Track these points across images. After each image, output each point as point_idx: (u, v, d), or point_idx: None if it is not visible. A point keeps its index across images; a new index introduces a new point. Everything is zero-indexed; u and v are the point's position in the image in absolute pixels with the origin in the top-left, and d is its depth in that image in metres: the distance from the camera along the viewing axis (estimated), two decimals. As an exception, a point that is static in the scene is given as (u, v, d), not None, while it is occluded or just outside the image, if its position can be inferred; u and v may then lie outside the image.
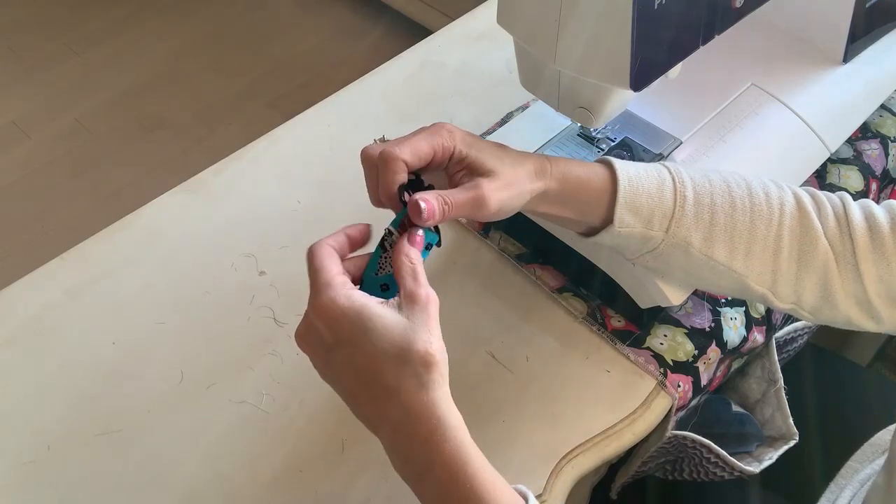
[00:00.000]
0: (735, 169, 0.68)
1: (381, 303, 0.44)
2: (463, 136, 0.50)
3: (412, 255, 0.46)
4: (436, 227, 0.49)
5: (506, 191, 0.49)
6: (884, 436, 0.72)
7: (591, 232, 0.55)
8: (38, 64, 2.13)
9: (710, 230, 0.53)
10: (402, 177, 0.48)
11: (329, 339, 0.43)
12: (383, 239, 0.49)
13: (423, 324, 0.43)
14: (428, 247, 0.49)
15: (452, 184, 0.51)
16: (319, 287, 0.44)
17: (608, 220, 0.53)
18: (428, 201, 0.46)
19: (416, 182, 0.50)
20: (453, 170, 0.51)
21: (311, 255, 0.46)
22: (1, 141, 1.93)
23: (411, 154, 0.48)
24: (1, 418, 0.61)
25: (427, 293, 0.44)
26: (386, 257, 0.48)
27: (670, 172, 0.54)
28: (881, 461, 0.70)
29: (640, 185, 0.53)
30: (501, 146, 0.53)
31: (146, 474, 0.59)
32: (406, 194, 0.48)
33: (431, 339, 0.42)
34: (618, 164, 0.53)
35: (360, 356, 0.42)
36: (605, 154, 0.68)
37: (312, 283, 0.45)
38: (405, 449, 0.43)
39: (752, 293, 0.54)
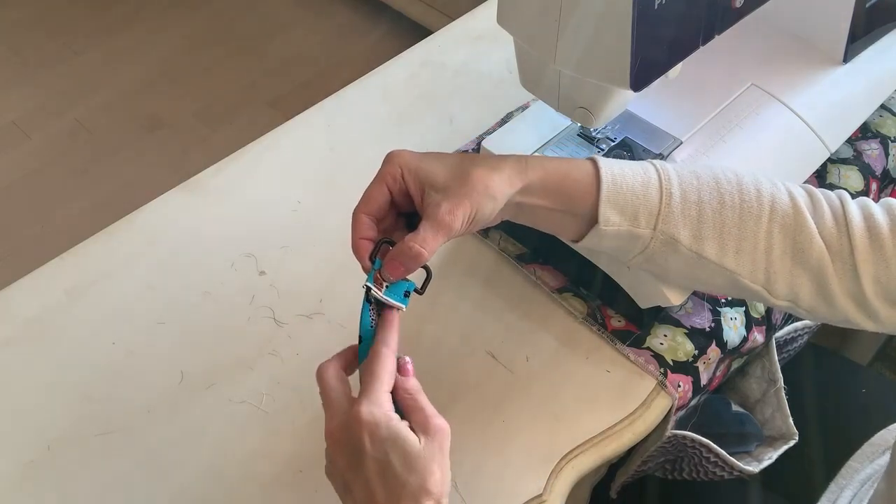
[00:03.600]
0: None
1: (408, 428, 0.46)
2: (407, 157, 0.51)
3: (409, 387, 0.48)
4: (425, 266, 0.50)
5: (467, 201, 0.49)
6: (884, 435, 0.72)
7: (580, 236, 0.55)
8: (38, 64, 2.13)
9: (699, 227, 0.52)
10: (366, 234, 0.51)
11: (367, 448, 0.45)
12: (366, 295, 0.50)
13: (432, 458, 0.45)
14: (406, 294, 0.51)
15: (423, 213, 0.51)
16: (372, 397, 0.46)
17: (594, 221, 0.53)
18: (393, 265, 0.49)
19: (387, 241, 0.51)
20: (417, 196, 0.51)
21: (376, 359, 0.48)
22: (1, 141, 1.93)
23: (366, 203, 0.51)
24: (1, 418, 0.61)
25: (436, 425, 0.46)
26: (373, 309, 0.51)
27: (656, 169, 0.54)
28: (881, 461, 0.70)
29: (623, 182, 0.52)
30: (457, 156, 0.52)
31: (146, 474, 0.59)
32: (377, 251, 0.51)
33: (438, 478, 0.45)
34: (602, 161, 0.53)
35: (391, 475, 0.44)
36: (606, 154, 0.68)
37: (365, 390, 0.46)
38: None
39: (748, 291, 0.54)
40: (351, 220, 0.51)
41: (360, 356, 0.50)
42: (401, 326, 0.67)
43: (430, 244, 0.49)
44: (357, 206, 0.51)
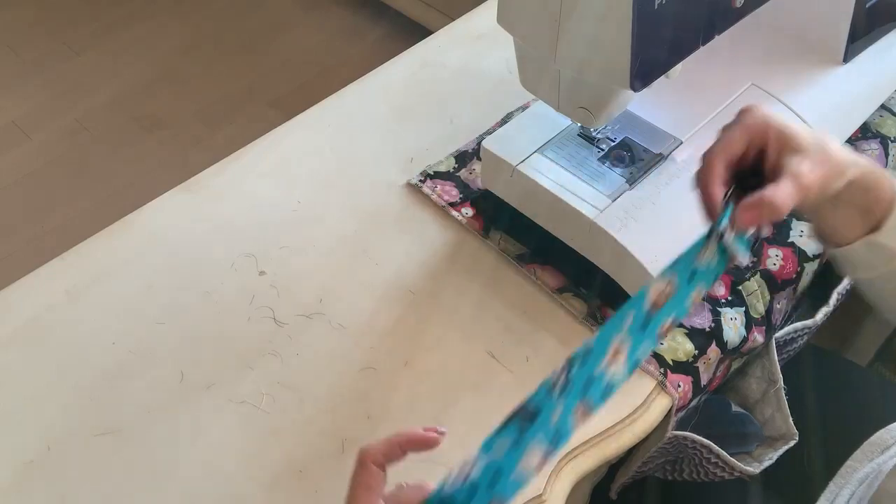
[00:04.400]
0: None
1: None
2: (772, 113, 0.51)
3: None
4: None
5: (827, 169, 0.50)
6: (883, 435, 0.72)
7: (848, 242, 0.54)
8: (38, 64, 2.13)
9: None
10: (722, 178, 0.50)
11: None
12: (708, 236, 0.49)
13: None
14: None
15: (783, 170, 0.50)
16: None
17: (874, 229, 0.53)
18: (751, 213, 0.48)
19: (740, 185, 0.50)
20: (774, 154, 0.51)
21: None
22: (1, 141, 1.93)
23: (724, 149, 0.50)
24: (1, 418, 0.61)
25: None
26: (710, 251, 0.49)
27: None
28: (880, 460, 0.69)
29: None
30: (810, 128, 0.52)
31: (146, 474, 0.59)
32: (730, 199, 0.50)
33: None
34: None
35: None
36: (606, 154, 0.68)
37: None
38: None
39: None
40: (702, 160, 0.50)
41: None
42: (401, 326, 0.67)
43: (789, 200, 0.48)
44: (713, 148, 0.50)
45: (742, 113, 0.51)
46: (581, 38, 0.53)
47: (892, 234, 0.53)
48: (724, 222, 0.49)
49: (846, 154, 0.51)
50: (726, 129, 0.51)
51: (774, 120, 0.50)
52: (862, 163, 0.52)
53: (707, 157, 0.50)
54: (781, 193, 0.48)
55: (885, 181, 0.53)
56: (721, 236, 0.49)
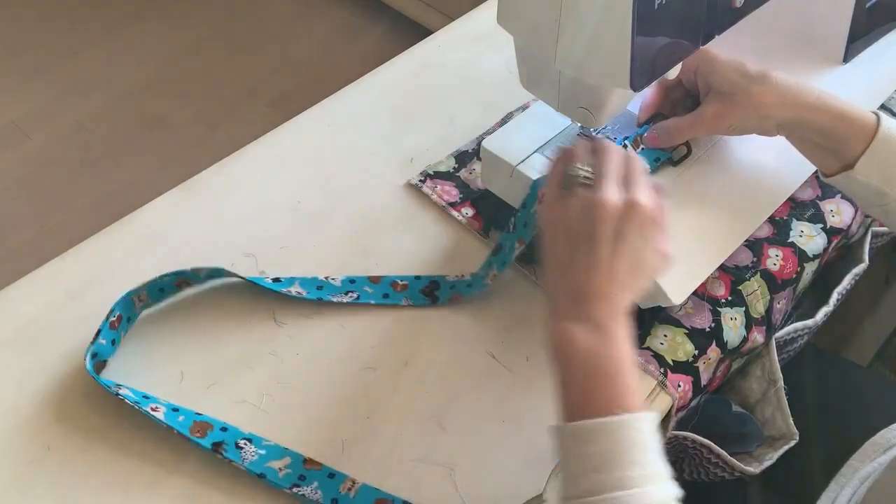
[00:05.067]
0: (735, 167, 0.68)
1: None
2: (709, 58, 0.60)
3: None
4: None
5: (737, 112, 0.60)
6: (885, 434, 0.72)
7: (832, 174, 0.61)
8: (38, 64, 2.13)
9: None
10: (653, 100, 0.66)
11: (646, 223, 0.51)
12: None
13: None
14: (657, 160, 0.65)
15: (700, 104, 0.63)
16: (647, 187, 0.53)
17: (850, 165, 0.59)
18: (651, 134, 0.65)
19: (661, 115, 0.66)
20: (703, 91, 0.62)
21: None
22: (1, 141, 1.93)
23: (658, 84, 0.63)
24: (1, 418, 0.61)
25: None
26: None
27: None
28: (882, 459, 0.70)
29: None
30: (752, 70, 0.60)
31: (146, 474, 0.59)
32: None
33: None
34: (885, 119, 0.59)
35: (643, 255, 0.51)
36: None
37: (640, 179, 0.53)
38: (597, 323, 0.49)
39: None
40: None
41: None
42: (401, 326, 0.67)
43: (685, 132, 0.63)
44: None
45: (696, 53, 0.59)
46: (581, 38, 0.53)
47: (869, 172, 0.59)
48: (631, 138, 0.66)
49: (780, 100, 0.59)
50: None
51: (705, 64, 0.61)
52: (808, 113, 0.59)
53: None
54: (678, 125, 0.63)
55: (853, 128, 0.59)
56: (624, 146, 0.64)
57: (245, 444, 0.59)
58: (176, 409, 0.60)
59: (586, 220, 0.51)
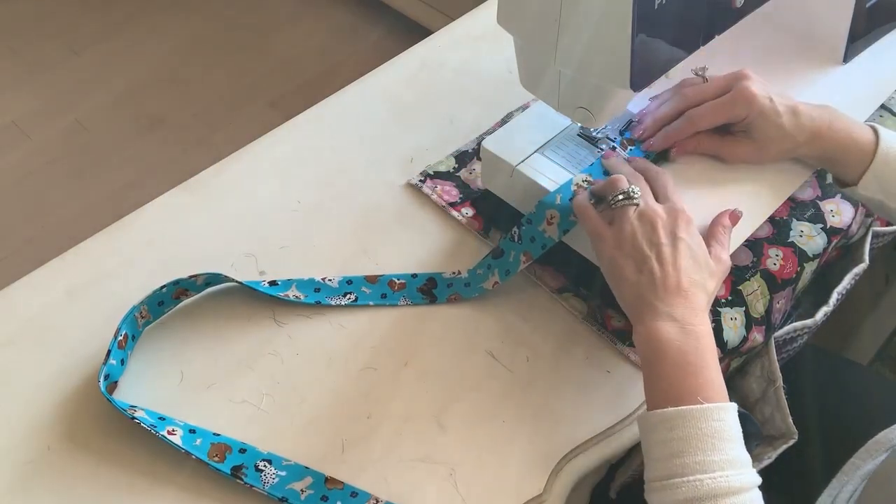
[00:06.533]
0: (735, 168, 0.68)
1: None
2: (760, 108, 0.63)
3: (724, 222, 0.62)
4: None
5: (765, 152, 0.66)
6: (888, 434, 0.72)
7: (843, 185, 0.67)
8: (38, 64, 2.13)
9: None
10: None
11: (690, 223, 0.58)
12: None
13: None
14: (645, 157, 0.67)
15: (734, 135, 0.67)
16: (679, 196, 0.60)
17: (857, 180, 0.64)
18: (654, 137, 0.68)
19: None
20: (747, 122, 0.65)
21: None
22: (1, 141, 1.93)
23: (704, 122, 0.65)
24: (1, 418, 0.61)
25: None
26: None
27: None
28: (884, 457, 0.70)
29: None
30: (784, 120, 0.64)
31: (146, 475, 0.59)
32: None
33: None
34: (883, 133, 0.64)
35: (699, 251, 0.57)
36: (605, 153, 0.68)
37: (672, 190, 0.60)
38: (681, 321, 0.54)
39: None
40: (689, 118, 0.65)
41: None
42: (401, 326, 0.67)
43: (703, 149, 0.67)
44: (702, 112, 0.65)
45: (740, 92, 0.63)
46: (581, 38, 0.53)
47: (869, 188, 0.64)
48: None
49: (809, 138, 0.64)
50: (717, 82, 0.65)
51: (757, 104, 0.63)
52: (818, 144, 0.64)
53: (694, 119, 0.65)
54: (698, 143, 0.66)
55: (853, 153, 0.64)
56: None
57: (265, 465, 0.57)
58: (193, 431, 0.59)
59: (644, 231, 0.57)
